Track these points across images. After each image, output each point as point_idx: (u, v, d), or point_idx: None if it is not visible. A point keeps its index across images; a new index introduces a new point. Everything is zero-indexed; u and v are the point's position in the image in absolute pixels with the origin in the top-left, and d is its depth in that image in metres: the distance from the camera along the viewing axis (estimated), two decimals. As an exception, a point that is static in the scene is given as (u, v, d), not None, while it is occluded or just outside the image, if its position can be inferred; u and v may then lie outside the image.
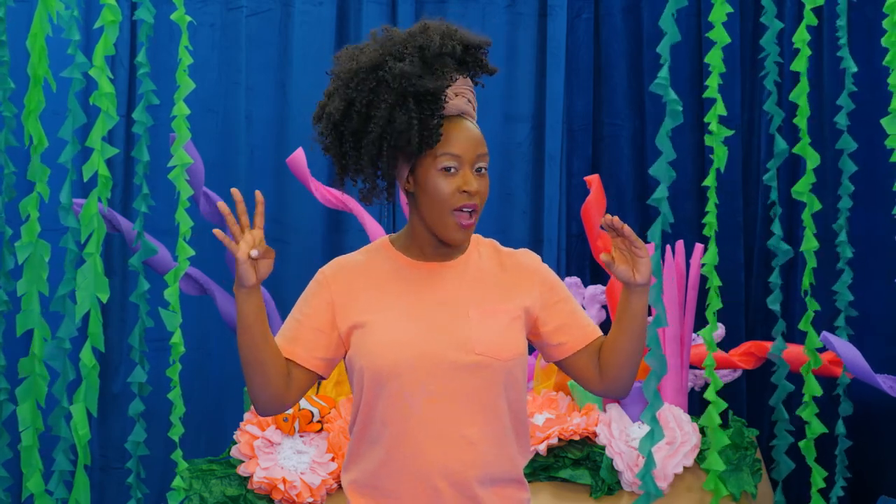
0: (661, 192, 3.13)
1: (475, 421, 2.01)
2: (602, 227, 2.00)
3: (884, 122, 3.40)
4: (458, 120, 2.02)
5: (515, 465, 2.08)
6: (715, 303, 3.37)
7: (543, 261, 2.20)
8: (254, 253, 1.92)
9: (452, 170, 2.00)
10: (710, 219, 3.35)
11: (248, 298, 1.96)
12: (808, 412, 3.48)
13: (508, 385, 2.04)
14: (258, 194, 1.96)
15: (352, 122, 2.00)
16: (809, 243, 3.48)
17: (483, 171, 2.02)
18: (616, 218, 1.97)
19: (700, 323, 4.05)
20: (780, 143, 3.48)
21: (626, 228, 1.97)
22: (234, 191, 1.95)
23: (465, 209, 2.00)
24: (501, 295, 2.07)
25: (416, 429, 2.00)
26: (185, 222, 3.31)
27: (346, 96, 2.00)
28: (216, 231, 1.91)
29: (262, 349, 1.99)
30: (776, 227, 3.53)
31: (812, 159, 3.46)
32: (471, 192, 1.99)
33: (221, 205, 1.94)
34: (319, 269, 2.11)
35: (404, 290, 2.05)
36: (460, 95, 2.03)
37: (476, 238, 2.13)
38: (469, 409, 2.01)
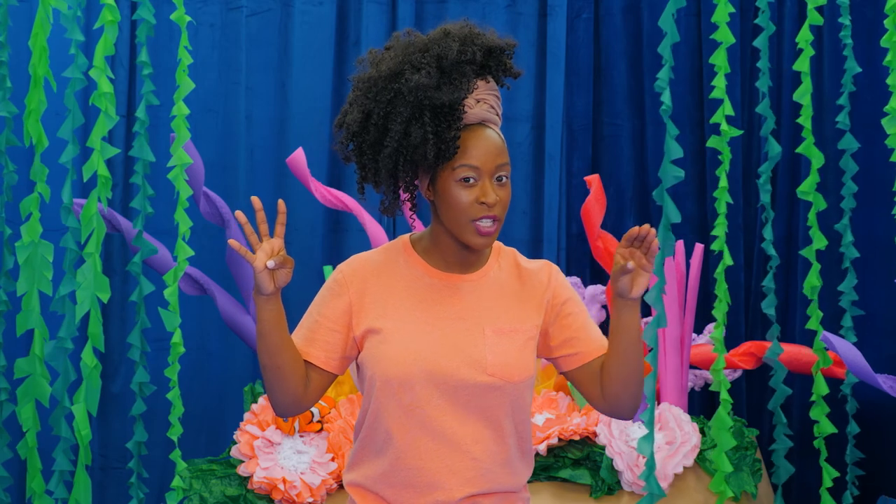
0: (658, 192, 3.13)
1: (480, 439, 2.01)
2: (628, 243, 1.97)
3: (884, 122, 3.40)
4: (479, 129, 2.00)
5: (519, 481, 2.08)
6: (722, 306, 3.36)
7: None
8: (270, 263, 1.91)
9: (471, 180, 1.98)
10: (721, 220, 3.35)
11: (266, 306, 1.96)
12: (817, 412, 3.47)
13: (516, 406, 2.04)
14: (281, 203, 1.95)
15: (369, 135, 2.00)
16: (817, 243, 3.48)
17: (504, 179, 2.00)
18: (642, 228, 1.95)
19: (700, 323, 4.05)
20: (774, 147, 3.47)
21: (650, 236, 1.95)
22: (255, 199, 1.94)
23: (484, 220, 1.99)
24: (518, 312, 2.05)
25: (420, 442, 2.00)
26: (184, 222, 3.30)
27: (365, 107, 2.00)
28: (231, 241, 1.91)
29: (280, 355, 1.99)
30: (767, 232, 3.52)
31: (816, 159, 3.45)
32: (489, 204, 1.97)
33: (239, 214, 1.93)
34: (337, 268, 2.09)
35: (421, 300, 2.04)
36: (482, 102, 2.01)
37: (497, 247, 2.12)
38: (475, 427, 2.01)
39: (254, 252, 1.94)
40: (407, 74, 1.97)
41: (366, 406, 2.06)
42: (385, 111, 1.98)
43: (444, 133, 1.97)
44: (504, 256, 2.11)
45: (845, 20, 3.64)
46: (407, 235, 2.12)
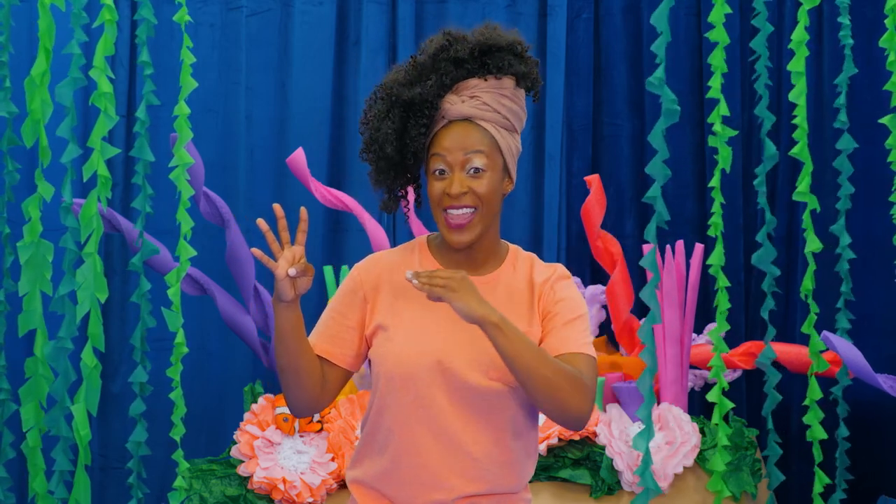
0: (654, 191, 3.14)
1: (481, 440, 2.01)
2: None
3: (885, 120, 3.40)
4: (458, 124, 2.01)
5: (520, 481, 2.08)
6: (723, 304, 3.36)
7: (543, 261, 2.17)
8: (292, 271, 1.92)
9: (444, 173, 2.00)
10: (716, 220, 3.35)
11: (285, 313, 1.97)
12: (810, 416, 3.47)
13: (519, 408, 2.03)
14: (303, 211, 1.96)
15: (364, 135, 2.05)
16: (811, 245, 3.47)
17: (478, 171, 2.00)
18: (413, 274, 1.88)
19: (700, 323, 4.05)
20: (770, 148, 3.46)
21: (421, 279, 1.87)
22: (276, 206, 1.96)
23: (450, 210, 2.00)
24: (526, 316, 2.04)
25: (421, 441, 2.01)
26: (186, 222, 3.31)
27: (364, 115, 2.06)
28: (254, 250, 1.92)
29: (298, 358, 2.00)
30: (762, 237, 3.51)
31: (808, 162, 3.44)
32: (451, 195, 1.98)
33: (261, 222, 1.94)
34: (355, 265, 2.12)
35: (430, 300, 2.04)
36: (475, 98, 2.01)
37: (514, 252, 2.11)
38: (476, 429, 2.01)
39: (275, 259, 1.95)
40: (390, 73, 2.03)
41: (372, 400, 2.07)
42: (372, 113, 2.04)
43: (411, 129, 2.00)
44: (521, 261, 2.10)
45: (845, 20, 3.64)
46: (425, 235, 2.14)
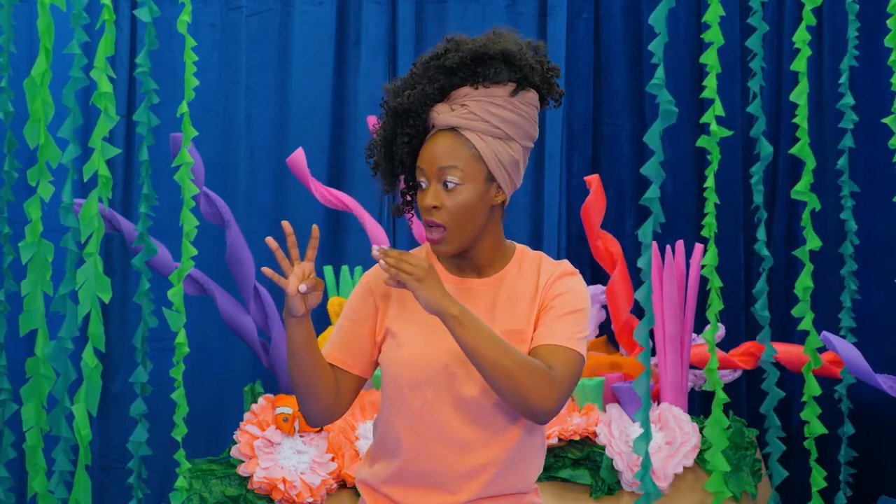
0: (652, 192, 3.14)
1: (489, 444, 2.02)
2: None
3: (887, 120, 3.40)
4: (441, 134, 2.02)
5: (529, 482, 2.08)
6: (716, 304, 3.36)
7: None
8: (302, 288, 1.93)
9: (424, 185, 2.01)
10: (710, 220, 3.35)
11: (297, 328, 1.98)
12: (808, 412, 3.47)
13: None
14: (315, 229, 1.96)
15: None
16: (810, 243, 3.48)
17: (452, 185, 1.99)
18: (381, 250, 1.89)
19: (700, 323, 4.06)
20: (766, 148, 3.45)
21: (389, 260, 1.88)
22: (285, 223, 1.96)
23: (428, 224, 2.01)
24: (526, 315, 2.04)
25: (429, 445, 2.02)
26: (189, 222, 3.30)
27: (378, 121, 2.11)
28: (265, 269, 1.93)
29: (311, 372, 2.01)
30: (760, 233, 3.51)
31: (810, 160, 3.45)
32: (425, 208, 2.00)
33: (270, 240, 1.94)
34: (365, 273, 2.14)
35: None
36: (463, 107, 2.01)
37: (521, 252, 2.10)
38: (484, 433, 2.01)
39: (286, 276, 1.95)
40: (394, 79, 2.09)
41: (383, 403, 2.09)
42: (381, 119, 2.09)
43: (398, 138, 2.03)
44: (527, 261, 2.09)
45: (851, 17, 3.64)
46: None
